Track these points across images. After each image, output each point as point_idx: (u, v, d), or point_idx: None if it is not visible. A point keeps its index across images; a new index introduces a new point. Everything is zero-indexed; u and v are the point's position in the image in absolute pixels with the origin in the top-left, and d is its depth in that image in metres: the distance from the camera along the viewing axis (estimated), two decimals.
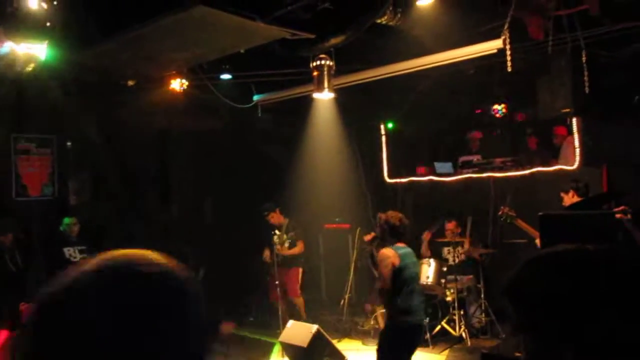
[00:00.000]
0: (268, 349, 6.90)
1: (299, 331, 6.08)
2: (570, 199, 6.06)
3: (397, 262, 4.74)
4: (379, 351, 4.88)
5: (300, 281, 7.84)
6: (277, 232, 7.75)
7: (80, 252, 6.70)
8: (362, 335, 7.49)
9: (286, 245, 7.71)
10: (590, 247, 1.10)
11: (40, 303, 0.79)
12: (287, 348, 6.23)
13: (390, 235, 4.91)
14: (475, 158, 8.04)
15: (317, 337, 5.88)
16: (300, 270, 7.86)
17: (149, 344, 0.77)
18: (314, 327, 5.97)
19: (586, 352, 1.00)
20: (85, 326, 0.75)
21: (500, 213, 6.82)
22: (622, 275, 1.03)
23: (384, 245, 4.96)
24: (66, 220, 6.80)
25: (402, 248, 4.89)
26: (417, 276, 5.07)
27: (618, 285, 1.02)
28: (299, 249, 7.74)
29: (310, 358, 5.81)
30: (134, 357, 0.76)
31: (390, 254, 4.78)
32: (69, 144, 7.95)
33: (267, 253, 7.80)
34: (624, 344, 0.99)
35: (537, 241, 6.43)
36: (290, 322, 6.42)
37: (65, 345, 0.75)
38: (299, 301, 7.79)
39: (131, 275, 0.80)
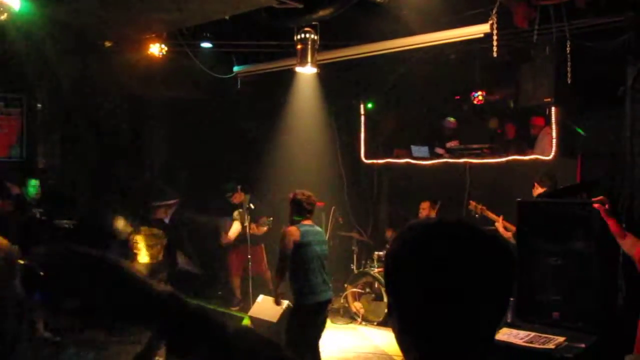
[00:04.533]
0: (237, 323, 6.85)
1: (269, 306, 6.03)
2: (535, 191, 6.16)
3: (297, 239, 4.74)
4: (286, 331, 4.92)
5: (264, 257, 7.87)
6: (251, 205, 7.66)
7: (41, 214, 6.54)
8: (331, 314, 7.48)
9: (252, 224, 7.63)
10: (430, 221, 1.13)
11: None
12: (257, 322, 6.18)
13: (296, 212, 4.89)
14: (454, 143, 8.07)
15: (287, 313, 5.83)
16: (263, 246, 7.87)
17: None
18: (285, 303, 5.93)
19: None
20: None
21: (470, 208, 6.92)
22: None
23: (291, 223, 4.94)
24: (32, 182, 6.65)
25: (307, 226, 4.86)
26: (322, 254, 4.93)
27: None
28: (264, 229, 7.74)
29: (279, 333, 5.76)
30: None
31: (292, 232, 4.80)
32: (39, 105, 7.68)
33: (227, 235, 7.76)
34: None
35: (498, 225, 6.53)
36: (261, 297, 6.37)
37: None
38: (267, 275, 7.81)
39: None
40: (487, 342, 1.04)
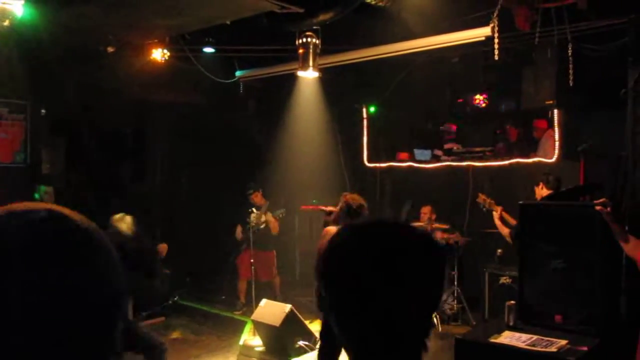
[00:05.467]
0: (240, 327, 6.87)
1: (272, 310, 6.04)
2: (540, 191, 6.13)
3: None
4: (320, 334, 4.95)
5: (275, 263, 7.91)
6: (254, 210, 7.69)
7: None
8: None
9: (263, 219, 7.69)
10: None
11: None
12: (260, 327, 6.18)
13: (345, 217, 4.90)
14: (455, 146, 8.06)
15: (290, 317, 5.84)
16: (275, 253, 7.94)
17: None
18: (288, 307, 5.93)
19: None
20: None
21: (478, 201, 6.89)
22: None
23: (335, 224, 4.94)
24: (42, 188, 6.67)
25: None
26: None
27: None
28: (274, 228, 7.74)
29: (282, 337, 5.77)
30: None
31: (330, 231, 4.81)
32: (42, 111, 7.72)
33: (239, 230, 7.82)
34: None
35: (495, 214, 6.47)
36: (264, 301, 6.37)
37: None
38: (276, 280, 7.90)
39: None
40: (418, 342, 1.06)
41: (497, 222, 6.42)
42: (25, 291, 0.67)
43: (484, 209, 6.81)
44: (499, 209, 6.43)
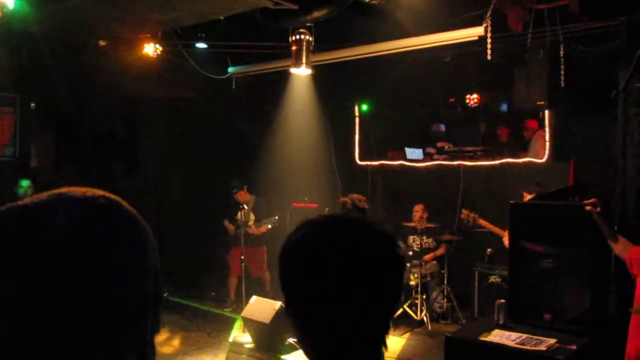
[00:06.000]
0: (230, 324, 6.85)
1: (262, 307, 6.02)
2: (525, 199, 6.19)
3: None
4: None
5: (266, 259, 7.90)
6: (245, 206, 7.68)
7: None
8: None
9: (252, 224, 7.70)
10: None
11: None
12: (249, 323, 6.17)
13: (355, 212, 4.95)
14: (446, 145, 8.09)
15: (280, 314, 5.82)
16: (265, 248, 7.94)
17: None
18: (278, 304, 5.91)
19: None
20: None
21: (462, 217, 6.96)
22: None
23: None
24: (24, 182, 6.62)
25: None
26: None
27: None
28: (264, 228, 7.78)
29: (272, 334, 5.76)
30: None
31: None
32: (32, 104, 7.66)
33: (230, 227, 7.81)
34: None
35: (505, 240, 6.54)
36: (254, 298, 6.35)
37: None
38: (266, 275, 7.90)
39: None
40: (377, 340, 1.04)
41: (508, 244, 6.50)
42: (91, 274, 0.69)
43: (469, 224, 6.90)
44: (506, 234, 6.47)
